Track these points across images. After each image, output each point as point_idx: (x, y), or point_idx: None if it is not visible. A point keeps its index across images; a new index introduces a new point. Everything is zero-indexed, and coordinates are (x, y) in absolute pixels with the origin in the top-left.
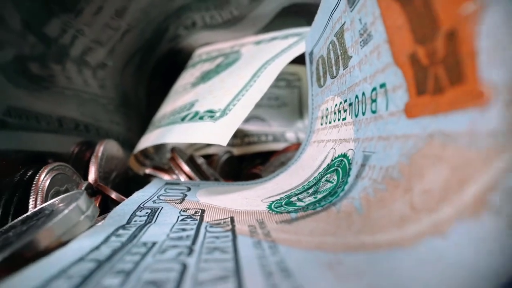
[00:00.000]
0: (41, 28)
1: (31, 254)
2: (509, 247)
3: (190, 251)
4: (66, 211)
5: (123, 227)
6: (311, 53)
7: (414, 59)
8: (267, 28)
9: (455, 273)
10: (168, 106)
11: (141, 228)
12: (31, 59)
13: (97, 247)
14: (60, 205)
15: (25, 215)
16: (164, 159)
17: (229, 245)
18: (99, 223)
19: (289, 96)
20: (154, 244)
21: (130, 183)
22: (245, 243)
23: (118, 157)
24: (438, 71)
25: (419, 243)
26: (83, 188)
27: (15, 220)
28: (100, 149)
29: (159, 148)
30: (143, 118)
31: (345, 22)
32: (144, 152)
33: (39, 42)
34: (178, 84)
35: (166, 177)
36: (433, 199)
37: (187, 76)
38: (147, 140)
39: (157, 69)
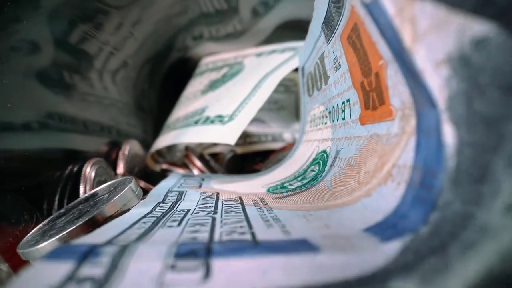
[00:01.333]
0: (72, 43)
1: (102, 219)
2: (396, 198)
3: (215, 212)
4: (124, 190)
5: (162, 202)
6: (303, 68)
7: (362, 85)
8: (267, 40)
9: (370, 214)
10: (181, 111)
11: (175, 203)
12: (65, 70)
13: (150, 211)
14: (112, 189)
15: (84, 196)
16: (174, 157)
17: (240, 209)
18: (142, 201)
19: (287, 100)
20: (188, 210)
21: (148, 178)
22: (251, 209)
23: (140, 155)
24: (373, 95)
25: (357, 202)
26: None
27: (77, 200)
28: (126, 147)
29: (170, 148)
30: (155, 121)
31: (324, 51)
32: (159, 151)
33: (71, 55)
34: (188, 91)
35: (181, 171)
36: (369, 176)
37: (196, 84)
38: (165, 140)
39: (168, 76)
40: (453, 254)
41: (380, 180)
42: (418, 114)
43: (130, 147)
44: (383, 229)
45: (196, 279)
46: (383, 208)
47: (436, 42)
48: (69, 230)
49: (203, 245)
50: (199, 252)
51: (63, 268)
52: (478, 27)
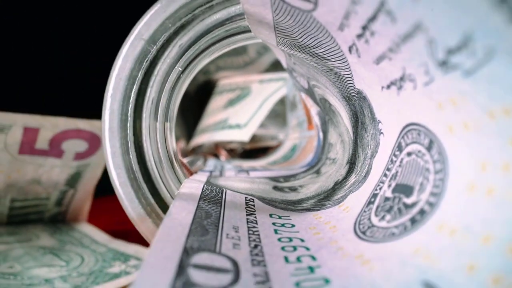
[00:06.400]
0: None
1: (194, 171)
2: (311, 157)
3: (244, 171)
4: (199, 161)
5: (214, 169)
6: (288, 96)
7: (306, 113)
8: (267, 69)
9: (303, 163)
10: (209, 120)
11: (221, 169)
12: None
13: (214, 169)
14: (192, 161)
15: None
16: (202, 151)
17: (254, 168)
18: (205, 167)
19: (281, 110)
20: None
21: None
22: (260, 168)
23: (184, 148)
24: (309, 119)
25: (300, 162)
26: (194, 156)
27: None
28: (180, 144)
29: (200, 145)
30: (188, 126)
31: (295, 93)
32: (193, 148)
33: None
34: (212, 105)
35: (213, 158)
36: (307, 152)
37: (217, 101)
38: (201, 139)
39: (195, 92)
40: (318, 166)
41: (310, 152)
42: (317, 128)
43: (180, 143)
44: (304, 165)
45: (245, 175)
46: (307, 161)
47: (314, 111)
48: None
49: (245, 171)
50: (245, 171)
51: (207, 173)
52: (317, 108)
